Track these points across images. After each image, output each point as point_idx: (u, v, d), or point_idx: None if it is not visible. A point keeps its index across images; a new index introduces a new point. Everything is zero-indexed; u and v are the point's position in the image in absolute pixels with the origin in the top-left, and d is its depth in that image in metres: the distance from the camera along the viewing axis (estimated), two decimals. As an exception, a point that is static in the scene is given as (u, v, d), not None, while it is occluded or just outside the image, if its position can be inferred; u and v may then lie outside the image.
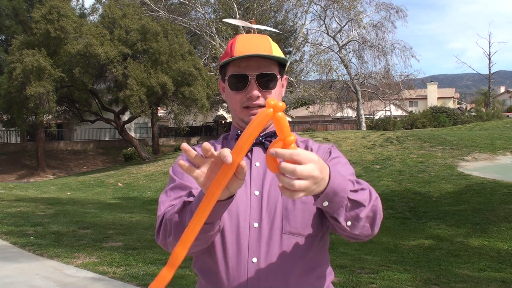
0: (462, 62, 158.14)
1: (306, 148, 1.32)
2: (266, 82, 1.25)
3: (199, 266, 1.28)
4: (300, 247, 1.20)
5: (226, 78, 1.29)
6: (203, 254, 1.25)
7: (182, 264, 5.52)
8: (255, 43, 1.26)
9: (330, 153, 1.30)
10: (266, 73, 1.25)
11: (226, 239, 1.21)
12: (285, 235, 1.20)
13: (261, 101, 1.26)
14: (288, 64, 1.35)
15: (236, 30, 23.22)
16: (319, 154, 1.28)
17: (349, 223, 1.07)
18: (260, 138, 1.29)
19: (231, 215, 1.22)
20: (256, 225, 1.21)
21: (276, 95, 1.29)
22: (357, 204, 1.06)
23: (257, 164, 1.27)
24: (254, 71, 1.24)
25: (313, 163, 0.92)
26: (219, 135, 1.51)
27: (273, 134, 1.30)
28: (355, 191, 1.06)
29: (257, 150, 1.30)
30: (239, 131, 1.32)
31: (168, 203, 1.21)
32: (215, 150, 1.33)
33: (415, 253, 6.28)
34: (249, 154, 1.30)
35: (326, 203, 1.01)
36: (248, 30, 25.12)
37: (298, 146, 1.31)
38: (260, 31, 1.50)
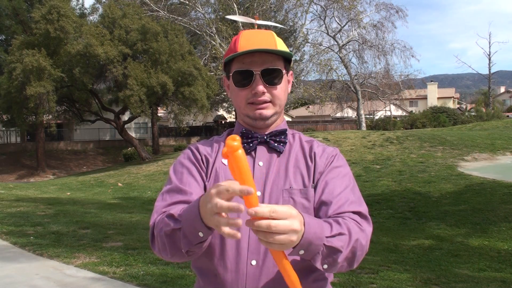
0: (462, 62, 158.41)
1: (311, 149, 1.29)
2: (271, 78, 1.23)
3: (197, 266, 1.27)
4: None
5: (231, 74, 1.27)
6: (203, 254, 1.23)
7: (182, 264, 5.46)
8: (259, 38, 1.23)
9: (332, 160, 1.27)
10: (271, 68, 1.22)
11: (226, 241, 1.20)
12: None
13: (266, 97, 1.24)
14: (293, 58, 1.33)
15: (236, 30, 23.21)
16: (321, 160, 1.26)
17: (325, 266, 1.08)
18: (265, 137, 1.27)
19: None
20: None
21: (282, 91, 1.27)
22: (333, 250, 1.06)
23: (260, 163, 1.26)
24: (259, 66, 1.21)
25: (292, 218, 0.95)
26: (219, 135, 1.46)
27: (278, 134, 1.28)
28: (333, 236, 1.06)
29: (261, 149, 1.28)
30: (243, 129, 1.29)
31: (161, 209, 1.19)
32: (219, 147, 1.31)
33: (415, 253, 6.28)
34: (252, 153, 1.28)
35: (301, 252, 1.03)
36: (250, 28, 24.99)
37: (302, 146, 1.30)
38: (264, 27, 1.49)
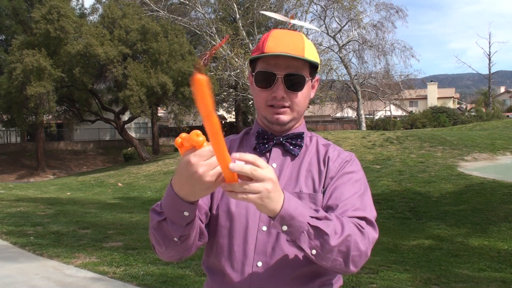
0: (462, 62, 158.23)
1: (326, 153, 1.27)
2: (293, 83, 1.21)
3: (207, 265, 1.28)
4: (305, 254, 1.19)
5: (254, 73, 1.25)
6: (212, 254, 1.25)
7: (182, 264, 5.47)
8: (288, 41, 1.20)
9: (345, 166, 1.25)
10: (294, 74, 1.20)
11: (234, 241, 1.20)
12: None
13: (285, 102, 1.22)
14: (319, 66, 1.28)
15: (236, 30, 23.20)
16: (334, 165, 1.24)
17: (313, 251, 1.04)
18: (281, 139, 1.26)
19: (240, 217, 1.21)
20: (264, 228, 1.19)
21: (303, 97, 1.24)
22: (320, 232, 1.03)
23: (274, 165, 1.25)
24: (282, 70, 1.20)
25: (271, 170, 0.96)
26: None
27: (295, 136, 1.27)
28: (318, 218, 1.04)
29: (276, 151, 1.27)
30: (260, 129, 1.29)
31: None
32: (233, 147, 1.31)
33: (415, 253, 6.28)
34: (267, 154, 1.27)
35: (285, 227, 1.01)
36: (248, 31, 25.14)
37: (318, 150, 1.29)
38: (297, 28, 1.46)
